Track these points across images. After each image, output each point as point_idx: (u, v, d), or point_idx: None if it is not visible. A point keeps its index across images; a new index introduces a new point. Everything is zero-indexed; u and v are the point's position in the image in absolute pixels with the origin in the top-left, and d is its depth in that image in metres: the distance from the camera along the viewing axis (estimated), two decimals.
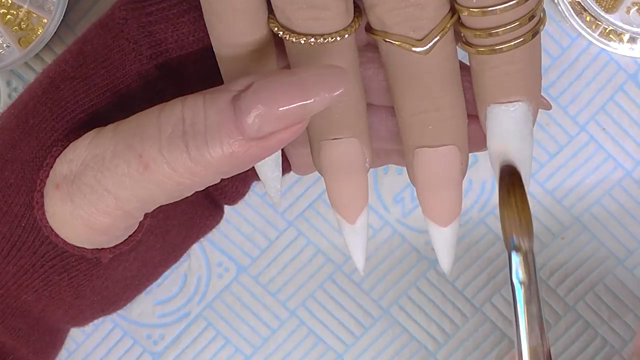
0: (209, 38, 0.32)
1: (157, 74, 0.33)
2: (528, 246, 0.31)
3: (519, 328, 0.31)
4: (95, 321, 0.45)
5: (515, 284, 0.31)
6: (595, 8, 0.42)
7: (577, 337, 0.46)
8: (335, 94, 0.27)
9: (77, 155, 0.29)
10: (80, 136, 0.30)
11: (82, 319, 0.35)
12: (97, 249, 0.31)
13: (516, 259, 0.31)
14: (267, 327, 0.46)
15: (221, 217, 0.39)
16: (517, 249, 0.31)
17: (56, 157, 0.30)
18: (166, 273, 0.45)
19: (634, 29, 0.43)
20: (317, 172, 0.34)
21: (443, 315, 0.46)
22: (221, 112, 0.27)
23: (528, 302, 0.31)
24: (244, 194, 0.38)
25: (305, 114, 0.27)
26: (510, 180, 0.32)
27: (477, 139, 0.33)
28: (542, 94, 0.33)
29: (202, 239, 0.45)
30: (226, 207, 0.39)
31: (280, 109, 0.27)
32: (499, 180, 0.32)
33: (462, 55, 0.31)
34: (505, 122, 0.31)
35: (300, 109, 0.27)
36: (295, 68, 0.28)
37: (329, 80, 0.27)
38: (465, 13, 0.29)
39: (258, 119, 0.27)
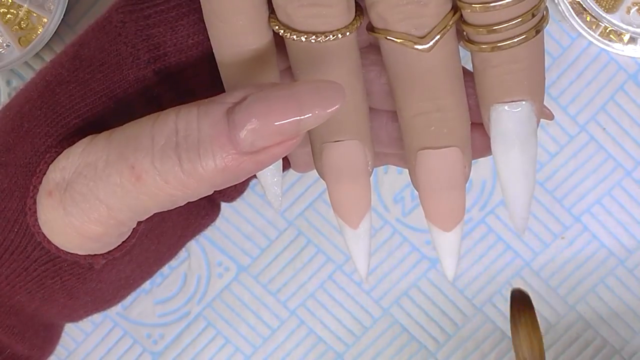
0: (209, 41, 0.31)
1: (155, 79, 0.32)
2: None
3: None
4: (95, 321, 0.45)
5: None
6: (595, 8, 0.42)
7: (577, 337, 0.46)
8: (330, 110, 0.27)
9: (70, 163, 0.29)
10: (75, 142, 0.30)
11: (76, 317, 0.35)
12: (90, 255, 0.31)
13: None
14: (267, 327, 0.46)
15: (217, 215, 0.38)
16: None
17: (49, 164, 0.30)
18: (166, 273, 0.45)
19: (634, 29, 0.43)
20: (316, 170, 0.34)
21: (443, 315, 0.46)
22: (215, 125, 0.27)
23: None
24: (242, 192, 0.38)
25: (299, 129, 0.27)
26: (522, 303, 0.33)
27: (479, 145, 0.33)
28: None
29: (202, 239, 0.44)
30: (227, 207, 0.39)
31: (274, 124, 0.26)
32: (511, 304, 0.33)
33: (465, 57, 0.31)
34: (509, 123, 0.30)
35: (294, 125, 0.26)
36: (291, 82, 0.28)
37: (325, 96, 0.27)
38: (468, 10, 0.29)
39: (252, 133, 0.27)
